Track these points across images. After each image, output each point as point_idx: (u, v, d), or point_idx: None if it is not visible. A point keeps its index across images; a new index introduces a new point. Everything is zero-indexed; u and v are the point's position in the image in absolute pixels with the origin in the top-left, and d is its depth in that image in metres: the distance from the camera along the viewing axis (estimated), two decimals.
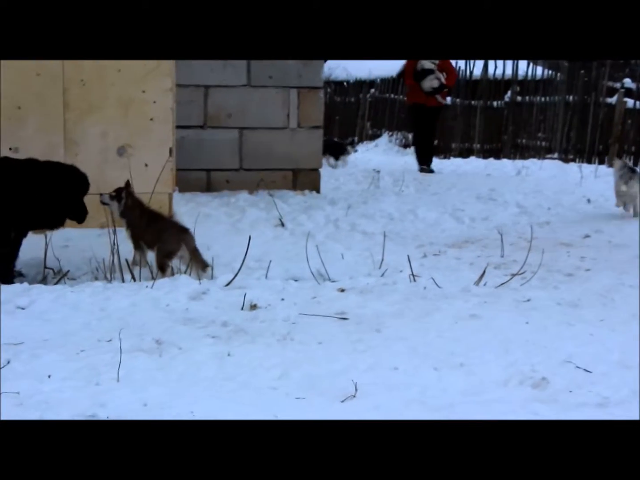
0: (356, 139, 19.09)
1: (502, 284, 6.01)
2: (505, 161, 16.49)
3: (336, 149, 15.71)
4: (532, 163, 15.36)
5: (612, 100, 17.42)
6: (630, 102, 17.15)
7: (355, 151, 16.54)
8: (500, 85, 19.56)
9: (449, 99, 17.55)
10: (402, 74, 19.16)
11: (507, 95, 19.32)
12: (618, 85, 18.27)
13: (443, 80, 13.90)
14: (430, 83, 13.79)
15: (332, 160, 15.23)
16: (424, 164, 14.08)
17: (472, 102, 19.94)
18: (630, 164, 11.74)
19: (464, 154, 19.17)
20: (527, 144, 18.79)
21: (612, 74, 18.99)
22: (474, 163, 15.92)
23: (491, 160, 16.83)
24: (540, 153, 18.11)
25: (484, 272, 6.13)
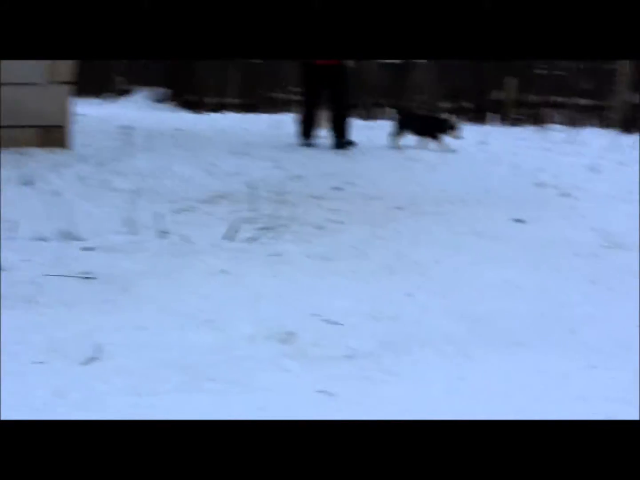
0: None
1: (253, 238, 5.96)
2: (262, 115, 16.49)
3: (433, 126, 11.45)
4: (287, 117, 15.41)
5: None
6: None
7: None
8: None
9: None
10: None
11: None
12: None
13: None
14: None
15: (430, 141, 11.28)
16: (342, 138, 11.29)
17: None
18: None
19: (219, 108, 19.09)
20: (281, 98, 18.85)
21: None
22: (230, 117, 15.83)
23: (248, 114, 16.80)
24: (294, 106, 18.20)
25: (234, 226, 6.07)
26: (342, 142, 11.26)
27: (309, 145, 11.39)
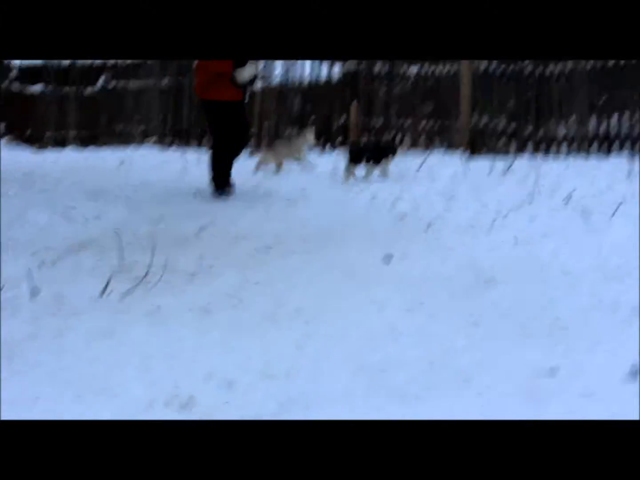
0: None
1: (127, 292, 5.84)
2: (105, 151, 16.28)
3: (380, 154, 11.61)
4: (133, 151, 15.33)
5: None
6: None
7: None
8: (92, 70, 19.30)
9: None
10: None
11: (102, 81, 19.09)
12: None
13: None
14: (251, 71, 10.30)
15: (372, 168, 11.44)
16: (224, 185, 10.39)
17: (65, 88, 19.55)
18: None
19: (59, 143, 18.74)
20: (124, 131, 18.67)
21: None
22: (73, 154, 15.53)
23: (91, 149, 16.55)
24: (138, 139, 18.08)
25: (108, 280, 5.94)
26: (216, 189, 10.35)
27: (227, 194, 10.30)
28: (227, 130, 10.37)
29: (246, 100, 10.93)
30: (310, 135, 13.01)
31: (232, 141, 10.42)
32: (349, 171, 11.42)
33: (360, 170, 11.49)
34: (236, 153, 10.54)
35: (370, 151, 11.71)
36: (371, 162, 11.44)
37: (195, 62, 10.71)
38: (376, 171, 11.46)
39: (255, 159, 12.75)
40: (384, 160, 11.49)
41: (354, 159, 11.47)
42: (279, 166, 12.61)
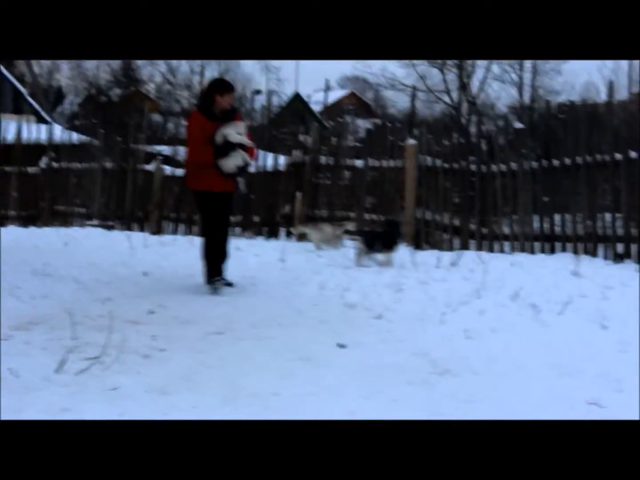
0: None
1: (83, 370, 5.79)
2: (47, 230, 16.20)
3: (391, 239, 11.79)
4: (75, 231, 15.27)
5: (150, 167, 17.75)
6: (167, 169, 17.57)
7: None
8: (35, 150, 19.36)
9: None
10: None
11: (44, 161, 19.10)
12: (156, 151, 18.74)
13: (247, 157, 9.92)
14: (235, 161, 9.73)
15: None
16: (217, 275, 9.89)
17: (7, 167, 19.52)
18: None
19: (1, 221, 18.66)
20: (65, 211, 18.65)
21: (149, 140, 19.40)
22: (15, 232, 15.42)
23: (33, 229, 16.45)
24: (80, 220, 18.09)
25: (64, 357, 5.88)
26: (217, 280, 9.86)
27: (225, 285, 9.92)
28: (211, 220, 10.03)
29: (243, 191, 11.50)
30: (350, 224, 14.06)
31: (215, 232, 10.05)
32: (362, 258, 11.65)
33: (371, 256, 11.72)
34: (220, 244, 10.08)
35: (382, 237, 11.86)
36: (383, 248, 11.66)
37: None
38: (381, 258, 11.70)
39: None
40: (392, 247, 11.72)
41: (369, 245, 11.68)
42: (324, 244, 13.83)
